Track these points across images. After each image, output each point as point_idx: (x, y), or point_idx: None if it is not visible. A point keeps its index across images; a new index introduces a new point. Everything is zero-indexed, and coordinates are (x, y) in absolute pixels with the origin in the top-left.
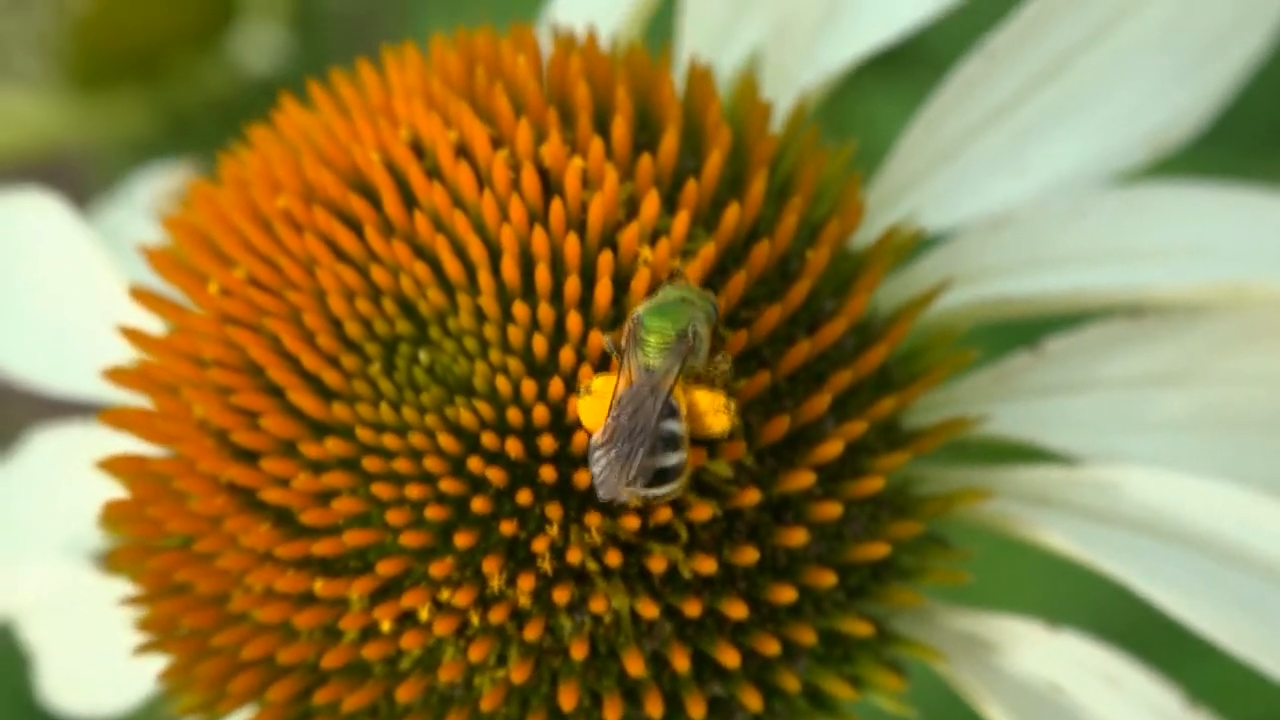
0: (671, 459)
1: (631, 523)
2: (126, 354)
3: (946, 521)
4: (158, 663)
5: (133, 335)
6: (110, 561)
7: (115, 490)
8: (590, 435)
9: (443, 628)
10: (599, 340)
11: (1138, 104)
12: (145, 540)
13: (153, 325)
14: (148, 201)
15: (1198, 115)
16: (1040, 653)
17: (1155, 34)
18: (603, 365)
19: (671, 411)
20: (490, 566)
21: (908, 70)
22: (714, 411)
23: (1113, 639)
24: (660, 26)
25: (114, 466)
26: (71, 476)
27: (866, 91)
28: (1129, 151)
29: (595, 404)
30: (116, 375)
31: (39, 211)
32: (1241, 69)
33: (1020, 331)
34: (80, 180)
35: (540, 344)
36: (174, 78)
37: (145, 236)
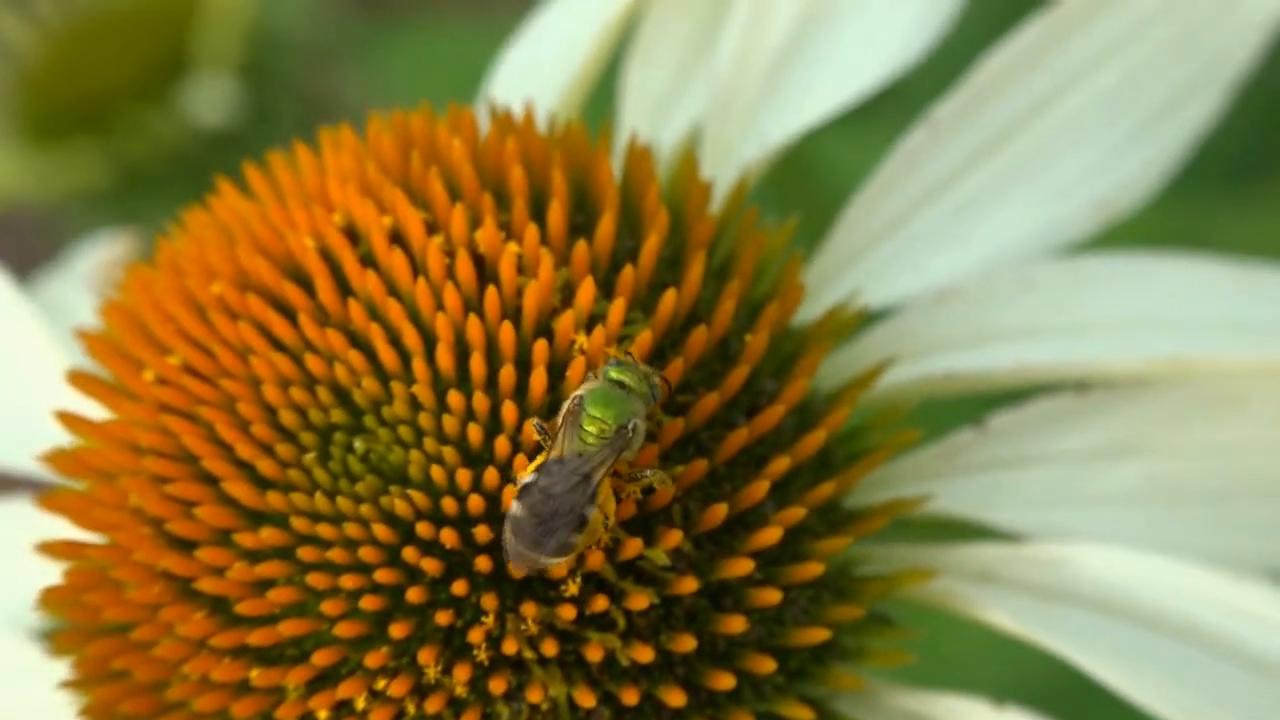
0: (574, 539)
1: (568, 612)
2: (66, 435)
3: (890, 601)
4: None
5: (70, 420)
6: (51, 643)
7: (55, 570)
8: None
9: (379, 717)
10: (531, 430)
11: (1085, 172)
12: (84, 625)
13: (93, 409)
14: (88, 273)
15: (1149, 180)
16: None
17: (1104, 101)
18: (536, 454)
19: (593, 498)
20: (426, 657)
21: (874, 113)
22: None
23: (1062, 701)
24: (603, 95)
25: (52, 550)
26: (13, 553)
27: (831, 137)
28: (1078, 220)
29: (519, 466)
30: (54, 459)
31: None
32: (1193, 132)
33: (965, 407)
34: (32, 231)
35: (475, 433)
36: (125, 129)
37: (84, 309)
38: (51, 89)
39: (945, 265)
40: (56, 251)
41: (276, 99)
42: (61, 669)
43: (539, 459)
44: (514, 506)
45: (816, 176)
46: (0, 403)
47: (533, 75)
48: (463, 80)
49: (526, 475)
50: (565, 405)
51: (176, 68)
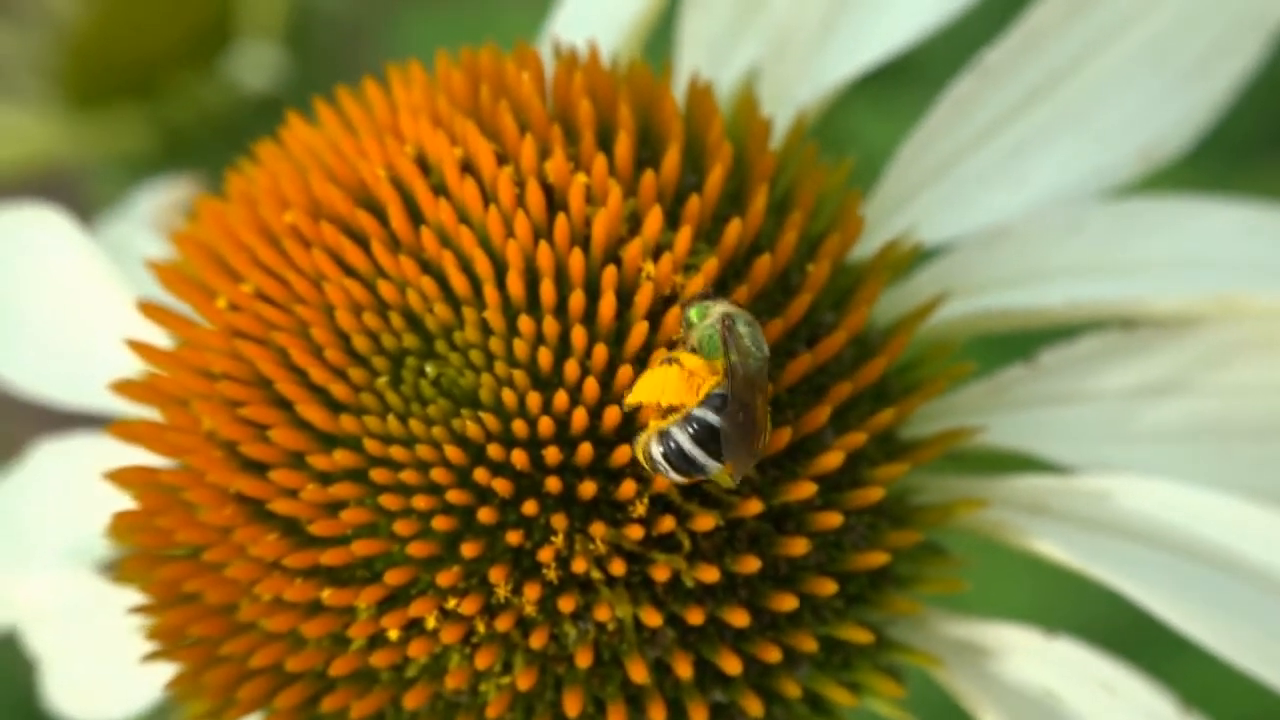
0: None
1: (635, 532)
2: (131, 368)
3: (943, 530)
4: (164, 671)
5: (141, 349)
6: (119, 571)
7: (119, 501)
8: (661, 408)
9: (449, 635)
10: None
11: (1131, 119)
12: (154, 550)
13: (159, 339)
14: (150, 215)
15: (1191, 129)
16: (1036, 659)
17: (1148, 50)
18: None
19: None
20: (496, 576)
21: (898, 87)
22: None
23: (1108, 645)
24: (659, 45)
25: (123, 478)
26: (77, 487)
27: (857, 109)
28: (1122, 165)
29: (680, 380)
30: (125, 388)
31: (44, 225)
32: (1234, 83)
33: (1016, 344)
34: (77, 196)
35: (545, 357)
36: (170, 95)
37: (148, 250)
38: (97, 56)
39: (996, 206)
40: (98, 214)
41: (317, 68)
42: (127, 597)
43: (713, 381)
44: (708, 420)
45: (847, 147)
46: (65, 341)
47: (593, 18)
48: None
49: (709, 389)
50: (720, 324)
51: (221, 35)
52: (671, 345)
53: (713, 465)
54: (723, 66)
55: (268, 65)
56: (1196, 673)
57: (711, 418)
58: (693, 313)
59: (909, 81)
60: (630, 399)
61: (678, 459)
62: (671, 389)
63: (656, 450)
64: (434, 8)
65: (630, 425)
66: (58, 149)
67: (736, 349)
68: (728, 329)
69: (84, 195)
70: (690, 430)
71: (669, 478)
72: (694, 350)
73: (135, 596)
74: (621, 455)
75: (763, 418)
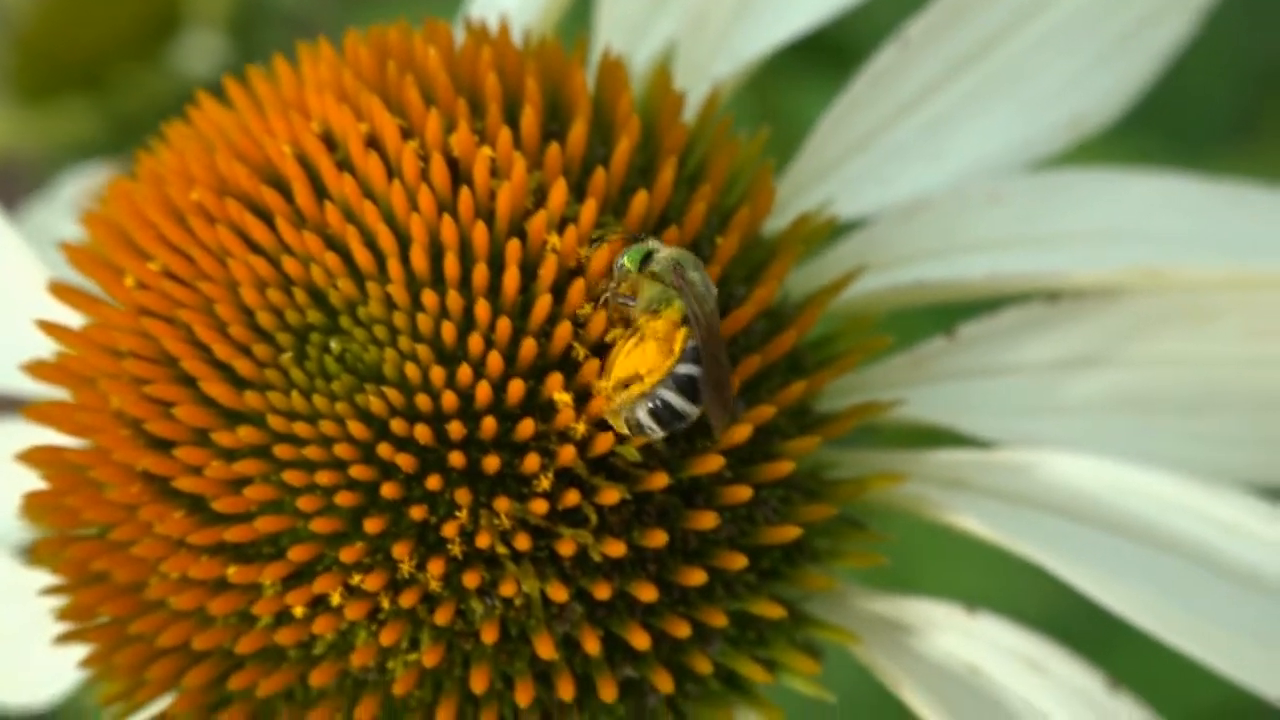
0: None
1: (540, 507)
2: (48, 349)
3: (865, 507)
4: (82, 653)
5: (50, 329)
6: (33, 554)
7: (36, 484)
8: (641, 380)
9: (354, 612)
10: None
11: (1056, 90)
12: (64, 530)
13: (74, 320)
14: (73, 200)
15: (1120, 99)
16: (958, 635)
17: (1074, 22)
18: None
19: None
20: (400, 551)
21: (837, 60)
22: None
23: (1042, 627)
24: (582, 22)
25: (32, 458)
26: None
27: (795, 81)
28: (1049, 137)
29: (654, 350)
30: (36, 369)
31: None
32: (1166, 52)
33: (937, 317)
34: (27, 181)
35: (449, 331)
36: (117, 85)
37: (70, 234)
38: (44, 49)
39: (916, 179)
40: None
41: (264, 55)
42: (44, 580)
43: (680, 336)
44: (690, 373)
45: (789, 130)
46: None
47: None
48: None
49: (680, 346)
50: (660, 281)
51: (167, 24)
52: (601, 301)
53: (693, 410)
54: (641, 43)
55: (214, 53)
56: (1134, 658)
57: (693, 369)
58: (627, 259)
59: (850, 54)
60: (608, 381)
61: (666, 414)
62: (649, 360)
63: (642, 412)
64: (390, 2)
65: (534, 400)
66: (9, 141)
67: (694, 296)
68: (680, 277)
69: (37, 185)
70: (674, 385)
71: (654, 435)
72: (644, 308)
73: (50, 579)
74: (525, 429)
75: (727, 359)
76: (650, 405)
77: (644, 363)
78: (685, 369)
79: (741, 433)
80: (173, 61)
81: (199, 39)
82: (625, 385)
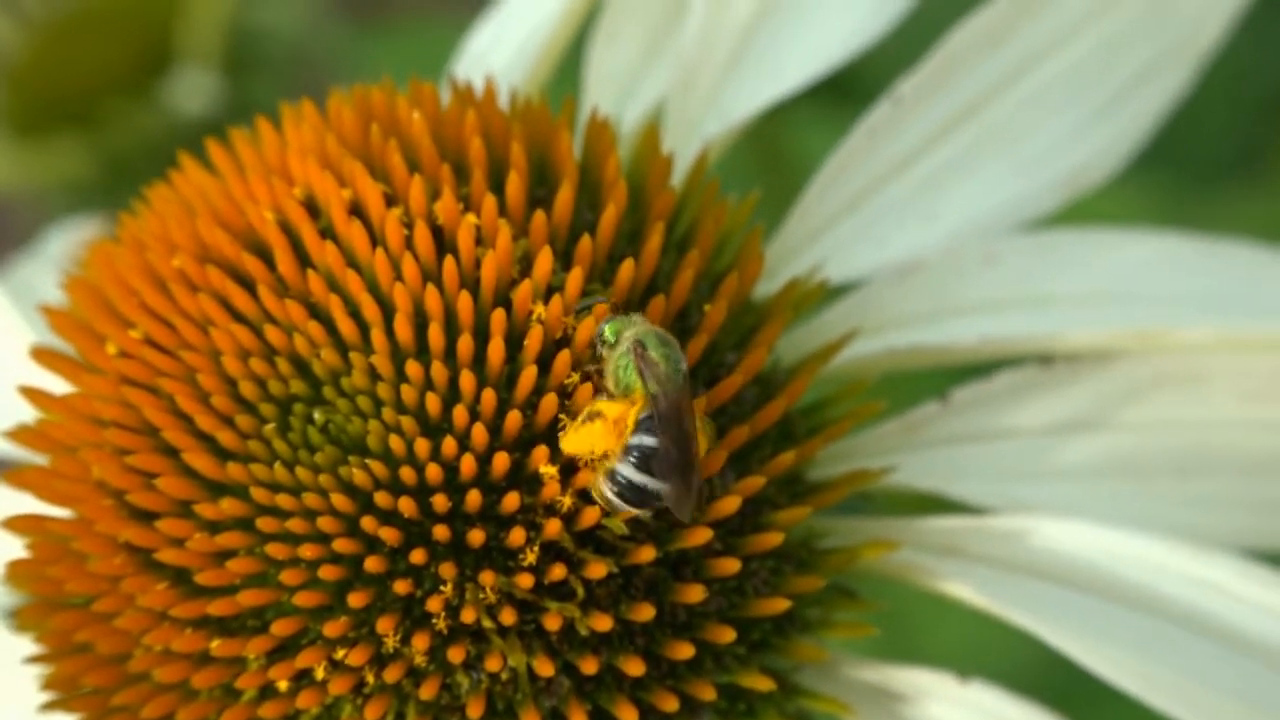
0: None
1: (526, 581)
2: (31, 413)
3: (856, 574)
4: None
5: (33, 395)
6: (16, 619)
7: (19, 549)
8: (593, 461)
9: (339, 686)
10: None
11: (1053, 146)
12: (47, 599)
13: (58, 384)
14: (59, 256)
15: (1121, 151)
16: (949, 705)
17: (1073, 74)
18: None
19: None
20: (385, 626)
21: (845, 101)
22: None
23: (1036, 694)
24: (571, 81)
25: (15, 526)
26: None
27: (803, 124)
28: (1045, 195)
29: (605, 430)
30: (17, 434)
31: None
32: (1163, 106)
33: (930, 382)
34: (18, 222)
35: (433, 402)
36: (109, 123)
37: (55, 292)
38: (36, 86)
39: (910, 240)
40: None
41: (265, 93)
42: (27, 646)
43: (635, 412)
44: (649, 445)
45: (792, 169)
46: None
47: (497, 54)
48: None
49: (634, 420)
50: (632, 353)
51: (159, 62)
52: (585, 374)
53: (659, 485)
54: (630, 102)
55: (206, 91)
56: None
57: (648, 441)
58: (608, 330)
59: (858, 95)
60: (556, 466)
61: (630, 492)
62: (599, 439)
63: (610, 491)
64: (393, 34)
65: (520, 473)
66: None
67: (653, 376)
68: (640, 357)
69: (29, 224)
70: (632, 460)
71: (635, 512)
72: (613, 387)
73: (34, 645)
74: (511, 502)
75: (694, 433)
76: (614, 484)
77: (595, 442)
78: (640, 439)
79: (730, 504)
80: (165, 99)
81: (192, 77)
82: (587, 464)
